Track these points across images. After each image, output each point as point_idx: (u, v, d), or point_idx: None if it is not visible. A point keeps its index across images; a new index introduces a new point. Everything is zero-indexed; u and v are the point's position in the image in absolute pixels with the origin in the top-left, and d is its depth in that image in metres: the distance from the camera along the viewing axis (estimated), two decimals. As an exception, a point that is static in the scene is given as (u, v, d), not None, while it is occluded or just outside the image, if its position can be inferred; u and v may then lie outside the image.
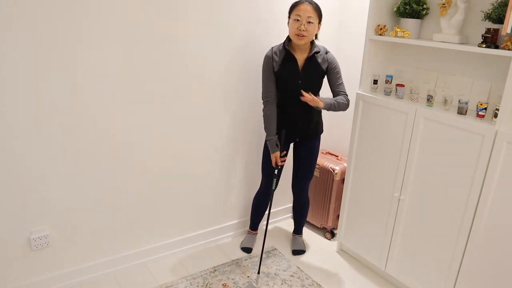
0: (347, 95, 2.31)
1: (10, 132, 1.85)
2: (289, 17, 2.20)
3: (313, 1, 2.16)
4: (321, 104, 2.18)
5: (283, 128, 2.35)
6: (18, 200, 1.96)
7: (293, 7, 2.17)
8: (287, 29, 2.23)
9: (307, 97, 2.14)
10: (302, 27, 2.11)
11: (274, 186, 2.45)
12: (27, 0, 1.72)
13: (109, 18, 1.94)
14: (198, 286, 2.31)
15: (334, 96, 2.31)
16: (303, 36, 2.13)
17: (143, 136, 2.24)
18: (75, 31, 1.87)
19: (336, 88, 2.30)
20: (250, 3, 2.38)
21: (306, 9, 2.12)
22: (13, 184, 1.93)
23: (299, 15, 2.12)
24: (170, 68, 2.20)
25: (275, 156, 2.36)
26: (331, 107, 2.23)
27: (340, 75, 2.31)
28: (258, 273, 2.37)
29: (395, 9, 2.27)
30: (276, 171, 2.41)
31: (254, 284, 2.34)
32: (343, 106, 2.27)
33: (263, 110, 2.33)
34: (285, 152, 2.42)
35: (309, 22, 2.13)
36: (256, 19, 2.44)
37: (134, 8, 1.99)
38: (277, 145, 2.34)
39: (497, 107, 1.80)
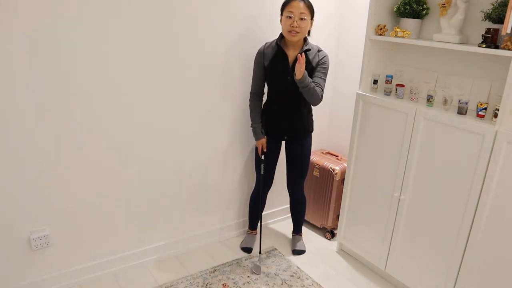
0: (323, 91, 2.24)
1: (10, 132, 1.85)
2: (281, 14, 2.21)
3: None
4: (302, 76, 2.07)
5: (272, 122, 2.41)
6: (18, 200, 1.96)
7: (285, 4, 2.19)
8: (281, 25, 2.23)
9: (301, 60, 2.01)
10: (295, 24, 2.13)
11: (263, 171, 2.50)
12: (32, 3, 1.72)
13: (114, 20, 1.94)
14: (198, 286, 2.31)
15: None
16: (296, 32, 2.15)
17: (143, 138, 2.24)
18: (91, 34, 1.87)
19: (316, 81, 2.22)
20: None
21: (298, 6, 2.13)
22: (13, 184, 1.93)
23: (291, 12, 2.14)
24: (170, 70, 2.21)
25: (261, 143, 2.42)
26: (308, 86, 2.13)
27: (325, 73, 2.27)
28: (260, 253, 2.50)
29: (395, 9, 2.27)
30: (263, 157, 2.47)
31: (257, 263, 2.45)
32: (316, 96, 2.20)
33: (249, 100, 2.42)
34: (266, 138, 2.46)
35: (302, 19, 2.14)
36: (254, 14, 2.44)
37: (134, 11, 1.99)
38: (262, 132, 2.41)
39: (497, 107, 1.80)
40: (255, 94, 2.39)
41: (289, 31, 2.16)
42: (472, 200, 1.88)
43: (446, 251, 2.05)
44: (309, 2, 2.18)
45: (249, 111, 2.45)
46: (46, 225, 2.08)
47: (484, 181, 1.83)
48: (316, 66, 2.28)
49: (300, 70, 2.06)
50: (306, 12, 2.15)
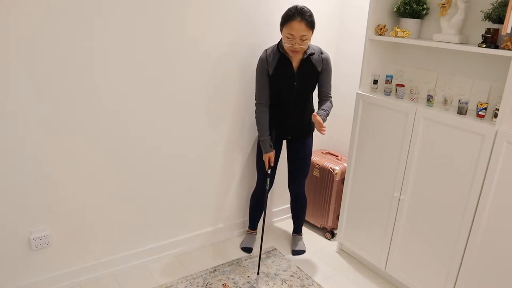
0: (331, 97, 2.37)
1: (11, 132, 1.85)
2: (281, 26, 2.14)
3: (305, 16, 2.07)
4: (324, 122, 2.21)
5: (274, 127, 2.38)
6: (18, 200, 1.96)
7: (285, 21, 2.10)
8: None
9: (321, 122, 2.12)
10: (296, 46, 2.10)
11: (268, 186, 2.46)
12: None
13: (110, 17, 1.94)
14: (198, 286, 2.31)
15: (319, 95, 2.36)
16: (297, 51, 2.14)
17: (142, 137, 2.25)
18: (91, 33, 1.88)
19: (325, 90, 2.34)
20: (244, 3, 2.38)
21: (299, 28, 2.05)
22: (13, 184, 1.93)
23: (292, 35, 2.08)
24: (169, 70, 2.21)
25: (268, 156, 2.37)
26: (328, 115, 2.30)
27: (331, 77, 2.34)
28: (258, 273, 2.37)
29: (395, 9, 2.27)
30: (269, 171, 2.42)
31: (254, 285, 2.34)
32: (331, 110, 2.36)
33: (255, 112, 2.35)
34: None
35: (303, 40, 2.10)
36: (253, 18, 2.45)
37: (135, 14, 1.99)
38: (270, 145, 2.35)
39: (497, 107, 1.80)
40: (262, 104, 2.32)
41: (291, 50, 2.14)
42: (472, 200, 1.88)
43: (446, 251, 2.05)
44: (310, 18, 2.08)
45: (256, 122, 2.36)
46: (46, 225, 2.08)
47: (484, 181, 1.83)
48: (322, 71, 2.28)
49: (322, 128, 2.11)
50: (307, 32, 2.08)
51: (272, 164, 2.41)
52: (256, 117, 2.35)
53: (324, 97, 2.35)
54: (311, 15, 2.10)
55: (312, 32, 2.14)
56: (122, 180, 2.25)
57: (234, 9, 2.33)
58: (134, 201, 2.34)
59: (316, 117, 2.12)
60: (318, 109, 2.33)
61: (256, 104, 2.34)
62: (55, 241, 2.13)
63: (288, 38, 2.10)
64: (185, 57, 2.24)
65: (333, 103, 2.38)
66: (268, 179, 2.44)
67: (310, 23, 2.09)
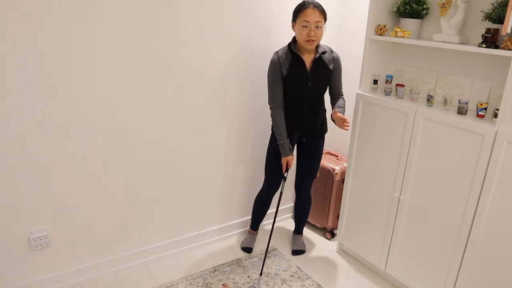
0: (343, 94, 2.39)
1: (10, 133, 1.85)
2: (294, 20, 2.17)
3: (318, 4, 2.13)
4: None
5: (292, 130, 2.33)
6: (18, 200, 1.96)
7: (298, 11, 2.13)
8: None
9: (344, 117, 2.14)
10: (312, 33, 2.10)
11: (282, 188, 2.44)
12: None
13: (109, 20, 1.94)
14: (198, 286, 2.31)
15: (331, 93, 2.38)
16: (313, 41, 2.13)
17: (145, 137, 2.25)
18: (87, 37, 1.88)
19: (337, 88, 2.35)
20: (250, 5, 2.38)
21: (313, 14, 2.09)
22: (13, 184, 1.93)
23: (307, 21, 2.09)
24: (172, 71, 2.21)
25: (287, 159, 2.34)
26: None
27: (341, 75, 2.35)
28: (261, 274, 2.37)
29: (395, 9, 2.27)
30: (286, 174, 2.40)
31: (255, 285, 2.34)
32: (345, 108, 2.38)
33: (272, 115, 2.31)
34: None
35: (318, 27, 2.11)
36: (256, 21, 2.45)
37: (138, 23, 2.00)
38: (290, 148, 2.33)
39: (497, 107, 1.80)
40: (277, 107, 2.28)
41: (306, 40, 2.13)
42: (472, 200, 1.88)
43: (446, 251, 2.05)
44: (322, 7, 2.13)
45: (273, 125, 2.32)
46: (46, 225, 2.08)
47: (484, 181, 1.83)
48: (333, 69, 2.29)
49: (346, 123, 2.12)
50: (321, 19, 2.11)
51: (290, 168, 2.38)
52: (273, 121, 2.32)
53: (337, 95, 2.36)
54: (321, 5, 2.15)
55: (325, 22, 2.15)
56: (122, 180, 2.25)
57: (235, 10, 2.33)
58: (134, 201, 2.34)
59: (337, 113, 2.14)
60: (333, 107, 2.31)
61: (271, 108, 2.30)
62: (55, 241, 2.13)
63: (303, 27, 2.11)
64: (187, 63, 2.24)
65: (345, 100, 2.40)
66: (284, 182, 2.42)
67: (323, 11, 2.13)
